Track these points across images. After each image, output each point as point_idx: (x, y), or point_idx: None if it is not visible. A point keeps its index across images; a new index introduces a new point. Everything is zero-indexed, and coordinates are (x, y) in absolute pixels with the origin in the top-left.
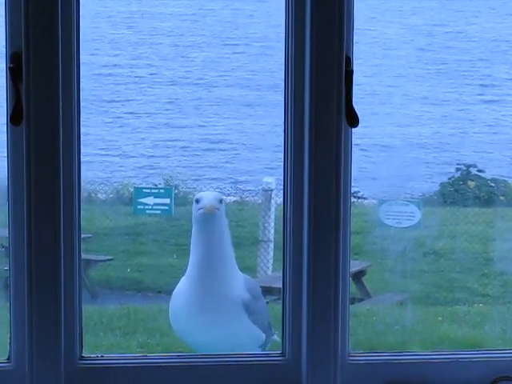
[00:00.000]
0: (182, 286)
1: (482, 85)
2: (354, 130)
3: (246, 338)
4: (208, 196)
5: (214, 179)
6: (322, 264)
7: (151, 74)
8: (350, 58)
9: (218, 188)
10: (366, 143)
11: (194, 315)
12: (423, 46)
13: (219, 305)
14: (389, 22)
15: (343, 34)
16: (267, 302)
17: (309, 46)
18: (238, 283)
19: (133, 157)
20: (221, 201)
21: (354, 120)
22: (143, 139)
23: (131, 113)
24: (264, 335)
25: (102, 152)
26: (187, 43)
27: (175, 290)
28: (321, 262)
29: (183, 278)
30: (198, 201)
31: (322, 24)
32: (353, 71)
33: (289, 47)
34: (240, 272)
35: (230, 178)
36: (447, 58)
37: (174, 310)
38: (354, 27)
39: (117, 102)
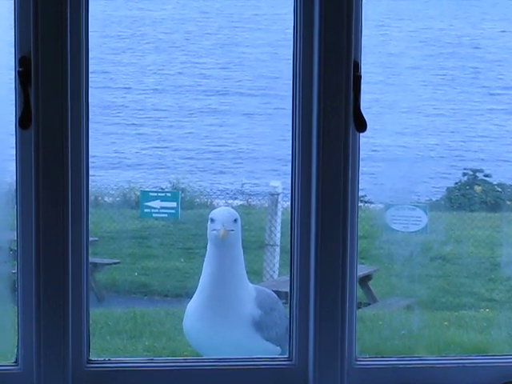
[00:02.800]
0: (193, 304)
1: (489, 92)
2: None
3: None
4: (223, 217)
5: (221, 183)
6: (329, 268)
7: (158, 80)
8: (358, 64)
9: (224, 191)
10: (374, 148)
11: (205, 334)
12: (431, 51)
13: (229, 324)
14: (397, 27)
15: (351, 39)
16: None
17: (317, 51)
18: (249, 300)
19: (140, 160)
20: (236, 220)
21: (361, 125)
22: (151, 143)
23: (139, 116)
24: (279, 348)
25: (111, 155)
26: (193, 50)
27: (187, 307)
28: (328, 266)
29: (195, 294)
30: (212, 220)
31: (331, 29)
32: (361, 76)
33: (297, 52)
34: (251, 286)
35: (237, 181)
36: (454, 63)
37: (187, 327)
38: (363, 32)
39: (124, 106)
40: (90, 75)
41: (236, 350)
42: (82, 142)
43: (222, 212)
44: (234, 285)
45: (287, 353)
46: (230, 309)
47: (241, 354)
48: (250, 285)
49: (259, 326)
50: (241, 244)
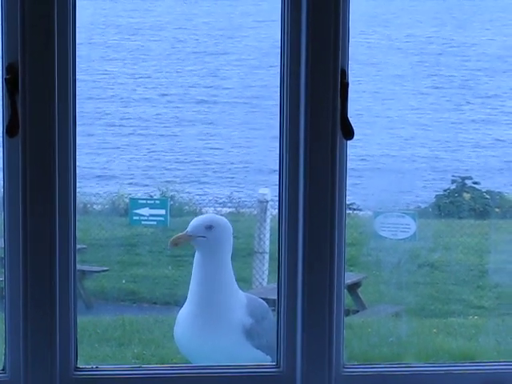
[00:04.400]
0: (184, 311)
1: (477, 101)
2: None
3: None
4: (193, 223)
5: (210, 190)
6: (316, 276)
7: (145, 85)
8: (345, 71)
9: (213, 199)
10: (361, 155)
11: (196, 342)
12: (418, 59)
13: (219, 332)
14: (383, 35)
15: (338, 47)
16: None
17: (304, 59)
18: (240, 307)
19: (129, 167)
20: (210, 227)
21: (349, 133)
22: (140, 150)
23: (127, 125)
24: (269, 357)
25: (98, 162)
26: (184, 57)
27: (178, 314)
28: (316, 273)
29: (186, 302)
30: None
31: (318, 37)
32: (348, 84)
33: (284, 60)
34: (243, 294)
35: (226, 189)
36: (442, 71)
37: (178, 335)
38: (350, 39)
39: (113, 113)
40: (77, 83)
41: (226, 358)
42: (69, 150)
43: (197, 218)
44: (223, 292)
45: (275, 360)
46: (221, 316)
47: (231, 362)
48: (241, 292)
49: (250, 333)
50: (227, 251)
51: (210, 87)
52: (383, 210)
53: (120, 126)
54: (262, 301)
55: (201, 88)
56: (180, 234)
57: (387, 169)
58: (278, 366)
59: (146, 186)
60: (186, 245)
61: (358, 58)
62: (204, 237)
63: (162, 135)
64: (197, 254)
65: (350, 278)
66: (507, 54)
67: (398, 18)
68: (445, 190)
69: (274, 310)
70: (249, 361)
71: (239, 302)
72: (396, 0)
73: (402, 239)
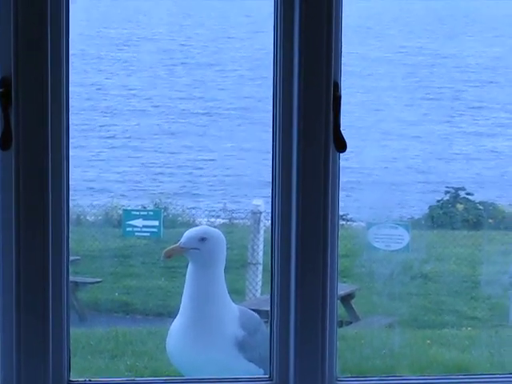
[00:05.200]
0: (177, 324)
1: (468, 113)
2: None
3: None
4: (187, 234)
5: (204, 202)
6: (309, 287)
7: (137, 97)
8: (338, 84)
9: (206, 210)
10: (355, 167)
11: (188, 355)
12: (414, 67)
13: (212, 344)
14: (377, 47)
15: (331, 60)
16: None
17: (297, 71)
18: (232, 320)
19: (122, 179)
20: (203, 239)
21: (341, 145)
22: (132, 162)
23: (120, 137)
24: (262, 370)
25: (92, 174)
26: (176, 68)
27: (171, 327)
28: (308, 285)
29: (178, 314)
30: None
31: (310, 49)
32: (341, 96)
33: (277, 72)
34: (235, 306)
35: (220, 200)
36: (435, 82)
37: (170, 348)
38: (343, 52)
39: (106, 125)
40: (70, 95)
41: (218, 371)
42: (62, 162)
43: (190, 230)
44: (216, 305)
45: (268, 373)
46: (213, 329)
47: (223, 375)
48: (234, 305)
49: (242, 346)
50: (220, 263)
51: (202, 99)
52: (376, 221)
53: (113, 137)
54: (254, 313)
55: (194, 100)
56: (173, 245)
57: (380, 180)
58: (270, 378)
59: (140, 197)
60: (179, 257)
61: (351, 70)
62: (197, 249)
63: (155, 146)
64: (190, 266)
65: (343, 289)
66: (499, 66)
67: (390, 30)
68: (438, 201)
69: (266, 322)
70: (241, 373)
71: (232, 315)
72: (388, 12)
73: (395, 250)
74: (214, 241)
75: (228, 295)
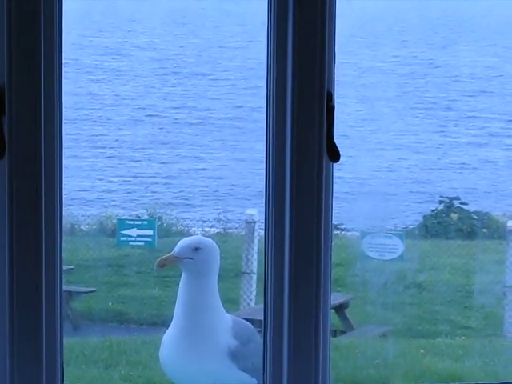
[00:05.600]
0: (169, 334)
1: (466, 118)
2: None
3: None
4: (180, 243)
5: (198, 211)
6: (303, 296)
7: (131, 106)
8: (331, 94)
9: (200, 220)
10: (348, 176)
11: (181, 365)
12: (406, 79)
13: (204, 355)
14: (370, 56)
15: (324, 69)
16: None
17: (290, 81)
18: (225, 330)
19: (116, 189)
20: (197, 249)
21: (335, 155)
22: (127, 172)
23: (114, 146)
24: (255, 380)
25: (86, 184)
26: (169, 78)
27: (163, 337)
28: (302, 294)
29: (171, 325)
30: None
31: (304, 59)
32: (334, 106)
33: (270, 82)
34: (228, 316)
35: (214, 209)
36: (430, 93)
37: (163, 357)
38: (336, 61)
39: (100, 135)
40: (63, 105)
41: (211, 381)
42: (56, 171)
43: (184, 240)
44: (209, 315)
45: (262, 382)
46: (206, 339)
47: None
48: (227, 315)
49: (235, 356)
50: (214, 273)
51: (195, 108)
52: (371, 230)
53: (106, 147)
54: (247, 323)
55: (187, 109)
56: (167, 255)
57: (374, 190)
58: None
59: (134, 206)
60: (173, 266)
61: (344, 80)
62: (191, 258)
63: (148, 156)
64: (183, 276)
65: (337, 298)
66: (492, 75)
67: (384, 39)
68: (432, 211)
69: (260, 332)
70: (234, 383)
71: (224, 325)
72: (382, 22)
73: (389, 260)
74: (207, 251)
75: (221, 305)
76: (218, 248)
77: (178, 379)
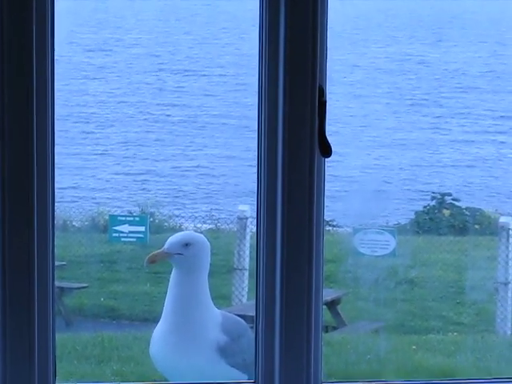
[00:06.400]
0: (159, 329)
1: (458, 115)
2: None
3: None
4: (171, 239)
5: (190, 207)
6: (295, 292)
7: (123, 103)
8: (323, 89)
9: (192, 216)
10: (340, 172)
11: (170, 360)
12: (399, 74)
13: (193, 350)
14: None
15: (316, 65)
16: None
17: (282, 77)
18: (214, 325)
19: (108, 185)
20: (187, 245)
21: (327, 150)
22: (118, 168)
23: (106, 143)
24: (246, 375)
25: (78, 180)
26: (161, 75)
27: (153, 333)
28: (294, 290)
29: (160, 320)
30: None
31: (296, 54)
32: (326, 102)
33: (262, 77)
34: (218, 311)
35: (206, 205)
36: (421, 89)
37: (153, 353)
38: (328, 57)
39: (92, 132)
40: (56, 99)
41: (200, 376)
42: (48, 168)
43: (174, 236)
44: (199, 310)
45: (253, 378)
46: (195, 334)
47: (205, 380)
48: (216, 310)
49: (224, 351)
50: (204, 269)
51: (187, 105)
52: (363, 226)
53: (98, 144)
54: (239, 319)
55: (178, 106)
56: (157, 251)
57: (366, 186)
58: (256, 382)
59: (126, 202)
60: (164, 262)
61: (335, 77)
62: (181, 254)
63: (140, 153)
64: (174, 272)
65: (329, 294)
66: (484, 71)
67: (375, 36)
68: (424, 207)
69: (252, 327)
70: (223, 379)
71: (214, 320)
72: (373, 18)
73: (381, 256)
74: (198, 246)
75: (211, 301)
76: (208, 244)
77: (168, 374)
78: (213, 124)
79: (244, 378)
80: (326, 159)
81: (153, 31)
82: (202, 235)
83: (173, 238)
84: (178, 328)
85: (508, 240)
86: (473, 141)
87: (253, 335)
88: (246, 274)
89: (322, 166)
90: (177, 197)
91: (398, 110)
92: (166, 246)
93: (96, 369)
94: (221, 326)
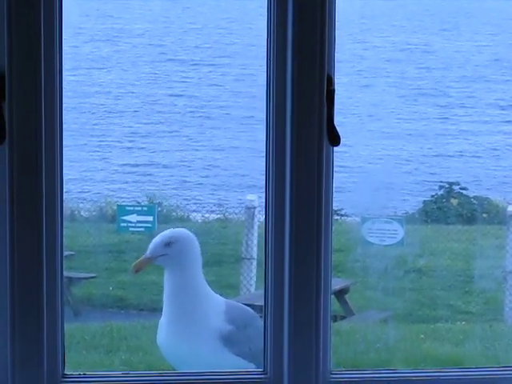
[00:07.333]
0: (162, 320)
1: (462, 106)
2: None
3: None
4: (151, 245)
5: (197, 197)
6: (303, 282)
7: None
8: (331, 77)
9: (201, 205)
10: (349, 161)
11: (175, 349)
12: (406, 64)
13: (195, 339)
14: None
15: (325, 54)
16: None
17: (290, 66)
18: (216, 314)
19: (116, 175)
20: (169, 244)
21: (335, 139)
22: (126, 158)
23: (115, 134)
24: (253, 364)
25: (86, 169)
26: (170, 63)
27: (159, 322)
28: (302, 279)
29: (162, 313)
30: None
31: (304, 43)
32: (334, 90)
33: (270, 67)
34: (222, 300)
35: (214, 195)
36: (430, 77)
37: (159, 343)
38: (336, 46)
39: (99, 124)
40: (64, 89)
41: (205, 365)
42: (56, 157)
43: (155, 238)
44: (197, 301)
45: (261, 367)
46: (196, 324)
47: (210, 368)
48: (220, 300)
49: (228, 340)
50: (194, 261)
51: (194, 96)
52: (371, 215)
53: (107, 135)
54: (246, 308)
55: (185, 96)
56: (140, 258)
57: (375, 175)
58: (264, 372)
59: (134, 192)
60: (148, 267)
61: (343, 66)
62: (166, 254)
63: (149, 143)
64: (165, 271)
65: (337, 283)
66: (493, 59)
67: (384, 25)
68: (432, 196)
69: (261, 317)
70: (227, 367)
71: (216, 309)
72: (381, 7)
73: (389, 245)
74: (181, 242)
75: (210, 290)
76: (192, 236)
77: (175, 363)
78: (220, 114)
79: (251, 366)
80: (334, 149)
81: (159, 21)
82: (184, 230)
83: (152, 242)
84: (180, 319)
85: None
86: (480, 130)
87: (261, 324)
88: (254, 263)
89: (330, 155)
90: (184, 187)
91: (405, 99)
92: (147, 251)
93: (104, 358)
94: (224, 315)
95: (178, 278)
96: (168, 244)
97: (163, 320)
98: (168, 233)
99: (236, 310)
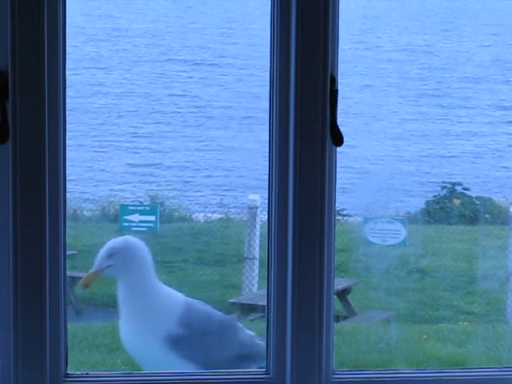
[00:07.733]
0: (120, 323)
1: (464, 106)
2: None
3: None
4: (98, 258)
5: (200, 196)
6: (306, 282)
7: (134, 93)
8: (334, 78)
9: (203, 205)
10: (351, 161)
11: (131, 348)
12: (408, 64)
13: (143, 340)
14: (374, 40)
15: (328, 54)
16: (251, 320)
17: (293, 66)
18: (170, 317)
19: (118, 175)
20: (111, 255)
21: (338, 139)
22: (129, 158)
23: (117, 133)
24: (200, 368)
25: (88, 169)
26: (171, 63)
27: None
28: (305, 279)
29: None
30: None
31: (307, 43)
32: (337, 90)
33: (274, 67)
34: (183, 303)
35: (216, 195)
36: (431, 77)
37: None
38: (339, 46)
39: (104, 123)
40: (67, 89)
41: (153, 364)
42: (59, 156)
43: (100, 251)
44: (151, 303)
45: (264, 366)
46: (146, 325)
47: (159, 369)
48: (181, 303)
49: (176, 343)
50: (142, 266)
51: (197, 96)
52: (373, 216)
53: (110, 134)
54: (217, 316)
55: (188, 96)
56: (86, 274)
57: (377, 175)
58: (267, 372)
59: (136, 192)
60: (97, 280)
61: (346, 66)
62: (111, 265)
63: (151, 143)
64: (117, 280)
65: (339, 283)
66: (494, 61)
67: (387, 25)
68: (435, 196)
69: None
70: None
71: (170, 312)
72: (384, 8)
73: (391, 245)
74: (123, 251)
75: (170, 293)
76: (136, 242)
77: (138, 362)
78: (223, 114)
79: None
80: (337, 149)
81: (161, 21)
82: (125, 238)
83: (97, 256)
84: (131, 321)
85: None
86: (483, 130)
87: (233, 335)
88: (257, 263)
89: (333, 155)
90: (187, 187)
91: (408, 100)
92: (93, 266)
93: (107, 358)
94: (179, 319)
95: (129, 285)
96: (110, 255)
97: (120, 322)
98: (110, 244)
99: (197, 314)
